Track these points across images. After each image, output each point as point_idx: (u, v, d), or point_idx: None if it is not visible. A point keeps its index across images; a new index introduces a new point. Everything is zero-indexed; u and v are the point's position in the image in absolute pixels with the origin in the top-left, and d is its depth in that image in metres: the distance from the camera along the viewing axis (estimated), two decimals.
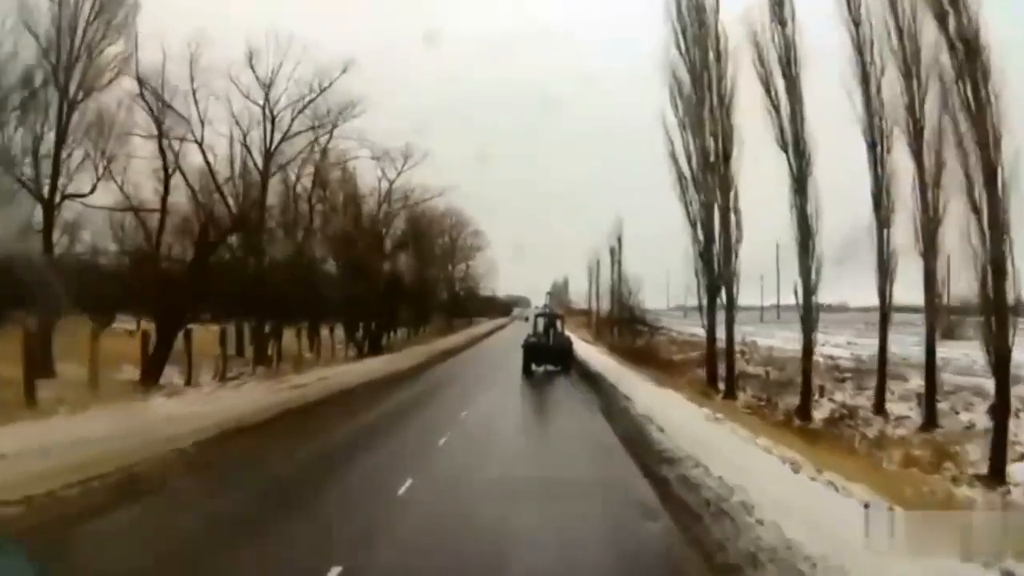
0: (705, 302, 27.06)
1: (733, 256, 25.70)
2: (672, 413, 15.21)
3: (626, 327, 53.48)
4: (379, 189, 37.41)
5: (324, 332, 37.29)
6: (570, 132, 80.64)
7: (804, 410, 21.43)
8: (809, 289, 21.13)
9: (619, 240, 53.90)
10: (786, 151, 21.88)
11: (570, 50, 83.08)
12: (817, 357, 38.64)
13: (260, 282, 29.86)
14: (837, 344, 48.56)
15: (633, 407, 16.25)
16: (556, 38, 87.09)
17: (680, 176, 27.66)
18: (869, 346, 46.72)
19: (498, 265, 71.05)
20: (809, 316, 21.25)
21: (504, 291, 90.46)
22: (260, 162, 31.84)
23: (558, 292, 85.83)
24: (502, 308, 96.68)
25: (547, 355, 31.31)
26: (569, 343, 33.27)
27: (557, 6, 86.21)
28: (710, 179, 26.73)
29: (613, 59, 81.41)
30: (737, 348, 43.57)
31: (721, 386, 27.33)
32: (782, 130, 22.02)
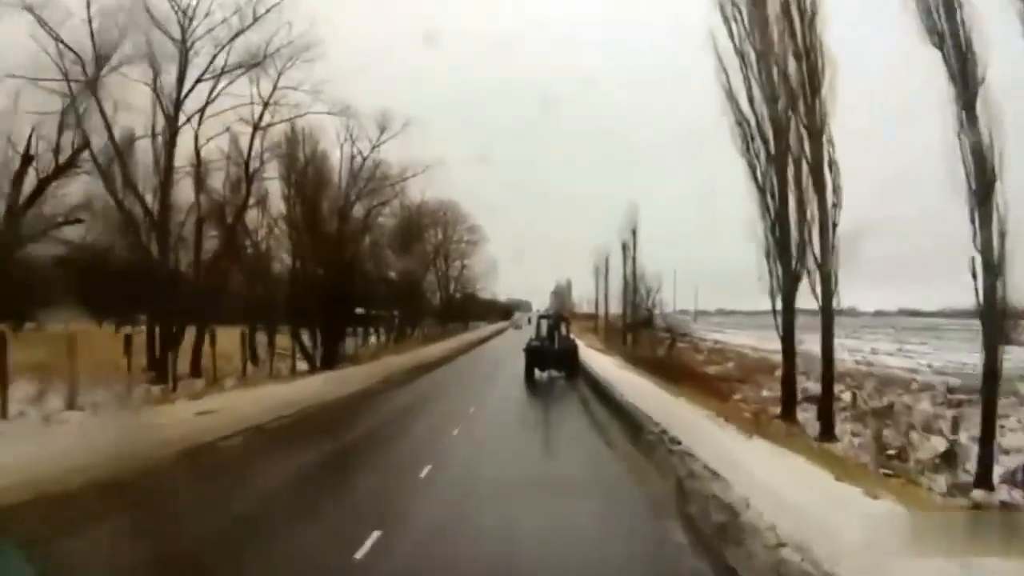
0: (780, 301, 18.18)
1: (830, 229, 16.80)
2: (837, 524, 6.31)
3: (644, 333, 44.56)
4: (341, 156, 28.60)
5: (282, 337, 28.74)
6: (571, 133, 74.88)
7: (984, 471, 12.47)
8: (992, 269, 12.21)
9: (633, 232, 44.97)
10: (941, 47, 13.06)
11: (570, 50, 77.06)
12: (896, 372, 30.02)
13: (161, 272, 21.22)
14: (889, 352, 39.56)
15: (743, 507, 7.22)
16: (557, 38, 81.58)
17: (742, 122, 18.92)
18: (924, 353, 38.16)
19: (498, 267, 62.76)
20: (993, 316, 12.27)
21: (505, 294, 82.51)
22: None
23: (561, 294, 77.67)
24: (502, 311, 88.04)
25: (551, 359, 27.32)
26: (574, 346, 28.98)
27: (558, 6, 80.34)
28: (790, 121, 17.95)
29: (614, 59, 74.88)
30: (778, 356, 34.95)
31: (803, 417, 18.54)
32: (933, 15, 13.16)
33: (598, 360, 32.15)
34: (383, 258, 46.48)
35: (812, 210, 17.04)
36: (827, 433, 16.58)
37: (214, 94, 22.92)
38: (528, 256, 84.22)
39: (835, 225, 16.87)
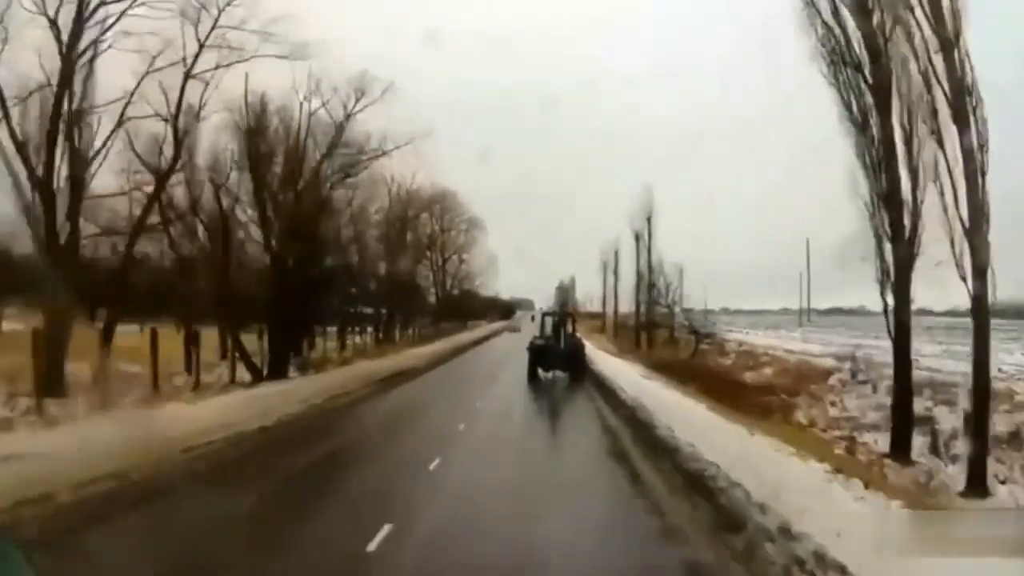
0: (891, 294, 12.42)
1: (979, 179, 10.98)
2: None
3: (660, 333, 38.77)
4: (300, 115, 22.68)
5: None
6: (572, 133, 70.97)
7: None
8: None
9: (648, 220, 39.24)
10: None
11: (570, 50, 72.92)
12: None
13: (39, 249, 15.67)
14: (935, 355, 33.61)
15: None
16: (557, 37, 77.79)
17: (830, 39, 13.21)
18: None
19: (499, 264, 57.36)
20: None
21: (507, 293, 77.05)
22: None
23: (564, 291, 72.23)
24: (504, 310, 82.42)
25: (557, 359, 24.79)
26: (581, 345, 26.41)
27: (559, 5, 76.48)
28: (910, 31, 12.20)
29: (614, 59, 70.68)
30: (832, 364, 29.34)
31: (917, 451, 12.80)
32: None
33: (612, 365, 26.32)
34: (372, 251, 41.07)
35: (952, 151, 11.22)
36: (977, 483, 10.76)
37: (120, 21, 17.20)
38: (531, 255, 80.00)
39: (984, 174, 11.07)
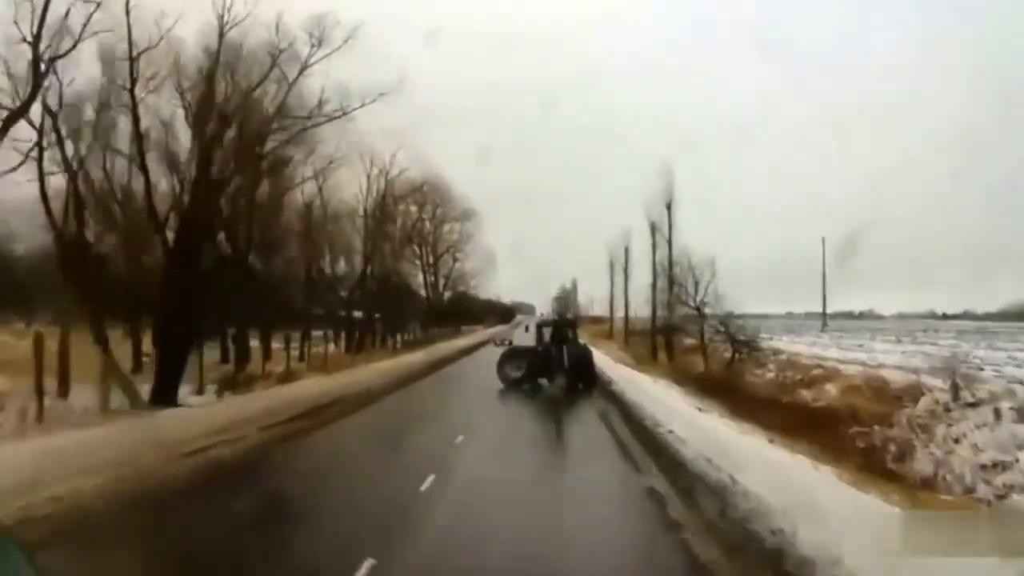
0: None
1: None
2: None
3: (679, 339, 32.63)
4: (220, 50, 16.71)
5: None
6: (573, 136, 67.19)
7: None
8: None
9: (668, 208, 33.28)
10: None
11: (571, 49, 69.41)
12: None
13: None
14: (1006, 363, 27.34)
15: None
16: (557, 37, 73.80)
17: None
18: None
19: (498, 266, 51.72)
20: None
21: (507, 297, 71.51)
22: None
23: (565, 297, 66.67)
24: (503, 314, 76.61)
25: (560, 371, 21.65)
26: (589, 354, 23.00)
27: (559, 5, 72.30)
28: None
29: (617, 59, 66.59)
30: (908, 379, 23.19)
31: None
32: None
33: (642, 386, 20.09)
34: (348, 243, 35.42)
35: None
36: None
37: None
38: (531, 257, 75.37)
39: None
